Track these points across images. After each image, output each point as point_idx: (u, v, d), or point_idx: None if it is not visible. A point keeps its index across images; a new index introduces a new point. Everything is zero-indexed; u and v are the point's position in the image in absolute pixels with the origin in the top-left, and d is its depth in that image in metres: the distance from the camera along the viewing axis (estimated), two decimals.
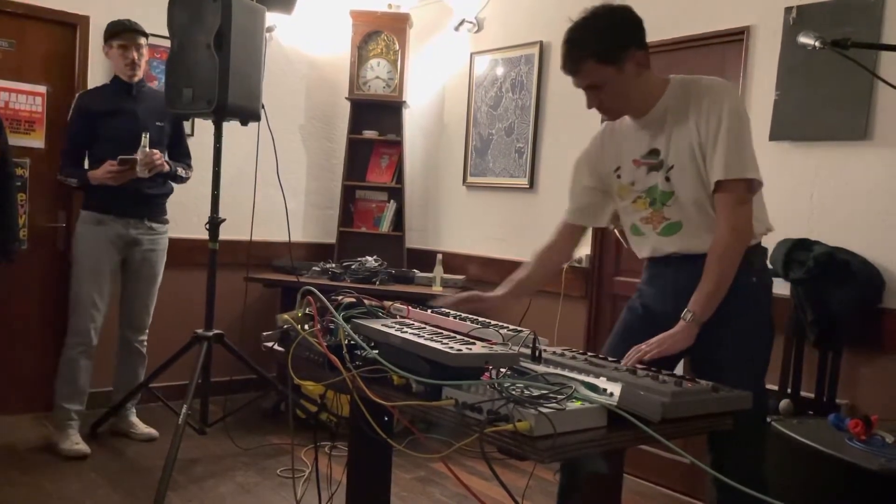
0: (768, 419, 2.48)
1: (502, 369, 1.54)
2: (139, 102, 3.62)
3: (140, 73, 3.61)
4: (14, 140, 3.59)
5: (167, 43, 3.43)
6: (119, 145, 3.45)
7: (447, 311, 2.10)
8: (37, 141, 3.86)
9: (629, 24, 2.02)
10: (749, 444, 2.05)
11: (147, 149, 3.46)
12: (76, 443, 3.49)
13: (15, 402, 3.90)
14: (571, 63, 2.01)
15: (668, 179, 2.04)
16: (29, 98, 3.83)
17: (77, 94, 3.64)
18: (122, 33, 3.52)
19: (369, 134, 4.82)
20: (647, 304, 2.20)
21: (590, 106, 2.09)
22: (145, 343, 3.77)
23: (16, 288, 3.82)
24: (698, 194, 2.02)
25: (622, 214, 2.25)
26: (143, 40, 3.58)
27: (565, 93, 4.05)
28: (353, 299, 1.90)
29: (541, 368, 1.63)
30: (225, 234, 3.51)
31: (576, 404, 1.41)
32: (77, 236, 3.59)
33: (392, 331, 1.64)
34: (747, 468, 2.02)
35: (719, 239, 1.98)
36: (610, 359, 1.87)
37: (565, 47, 2.02)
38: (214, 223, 3.44)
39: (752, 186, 2.00)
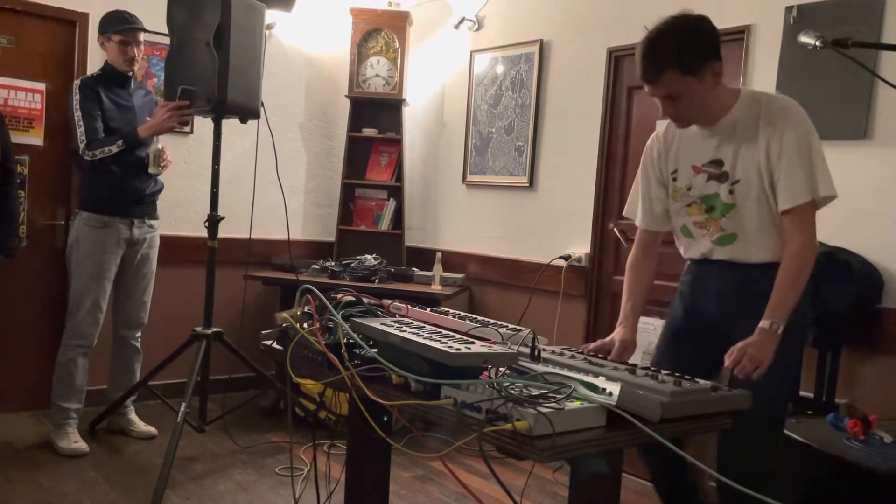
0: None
1: (501, 368, 1.54)
2: (134, 95, 3.62)
3: (136, 67, 3.61)
4: (13, 137, 3.56)
5: (166, 40, 3.41)
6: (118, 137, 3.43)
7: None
8: (36, 138, 3.84)
9: (710, 34, 2.03)
10: (753, 445, 2.04)
11: (161, 146, 3.46)
12: (75, 441, 3.48)
13: (13, 399, 3.89)
14: (652, 72, 2.00)
15: (731, 192, 2.08)
16: (28, 95, 3.82)
17: (78, 80, 3.53)
18: (124, 30, 3.47)
19: (369, 132, 4.81)
20: (689, 308, 2.25)
21: (665, 115, 2.12)
22: (140, 338, 3.77)
23: (14, 285, 3.81)
24: (760, 212, 2.06)
25: (673, 215, 2.27)
26: (142, 36, 3.56)
27: (565, 91, 4.05)
28: (353, 298, 1.90)
29: (540, 368, 1.63)
30: (224, 231, 3.50)
31: (575, 404, 1.41)
32: (79, 239, 3.51)
33: (391, 329, 1.64)
34: (748, 467, 2.02)
35: (799, 254, 2.01)
36: (609, 358, 1.86)
37: (646, 56, 2.01)
38: (213, 221, 3.44)
39: (817, 202, 2.05)
